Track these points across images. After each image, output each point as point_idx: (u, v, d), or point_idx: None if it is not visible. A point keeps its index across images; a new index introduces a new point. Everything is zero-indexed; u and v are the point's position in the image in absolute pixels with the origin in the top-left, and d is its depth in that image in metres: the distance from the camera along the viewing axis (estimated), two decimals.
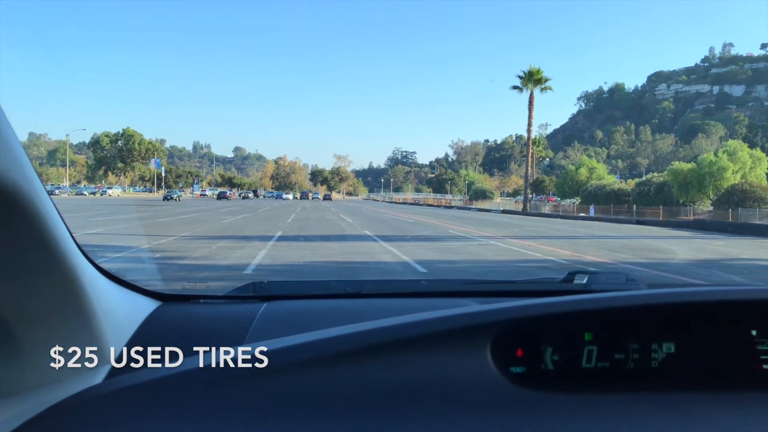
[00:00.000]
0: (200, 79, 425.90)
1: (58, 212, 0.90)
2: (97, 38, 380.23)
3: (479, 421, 0.91)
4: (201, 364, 0.94)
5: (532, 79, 53.78)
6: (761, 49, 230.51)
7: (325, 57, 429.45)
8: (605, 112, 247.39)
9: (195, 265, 10.18)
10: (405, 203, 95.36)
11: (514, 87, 55.09)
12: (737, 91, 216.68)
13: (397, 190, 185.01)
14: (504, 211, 54.25)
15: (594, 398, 0.98)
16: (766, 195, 35.89)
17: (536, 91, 54.22)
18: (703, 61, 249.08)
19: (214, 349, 1.03)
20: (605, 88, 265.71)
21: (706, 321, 1.12)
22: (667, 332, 1.11)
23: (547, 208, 57.44)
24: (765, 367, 1.11)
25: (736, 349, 1.12)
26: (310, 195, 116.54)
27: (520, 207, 57.74)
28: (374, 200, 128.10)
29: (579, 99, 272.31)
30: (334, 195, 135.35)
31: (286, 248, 13.92)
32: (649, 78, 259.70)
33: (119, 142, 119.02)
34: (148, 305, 1.40)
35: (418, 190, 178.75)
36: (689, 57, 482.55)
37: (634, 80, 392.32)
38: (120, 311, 1.21)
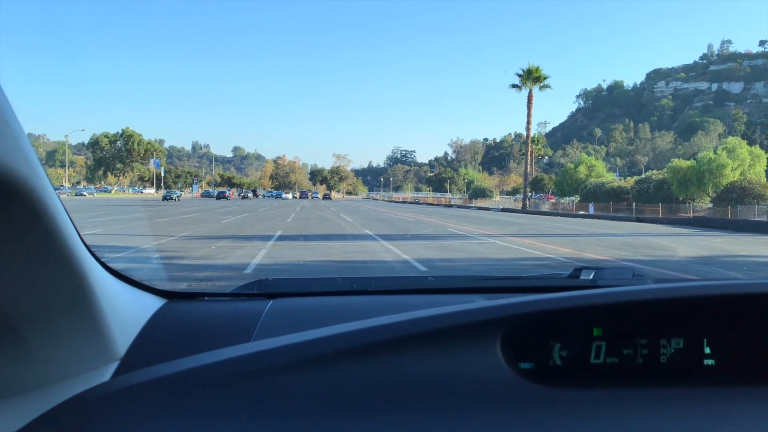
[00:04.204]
0: (199, 79, 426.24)
1: (65, 209, 0.89)
2: (96, 39, 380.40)
3: (489, 417, 0.90)
4: (207, 362, 0.93)
5: (531, 77, 53.75)
6: (760, 46, 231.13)
7: (324, 56, 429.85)
8: (604, 109, 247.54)
9: (195, 265, 10.18)
10: (405, 202, 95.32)
11: (513, 85, 55.08)
12: (736, 88, 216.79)
13: (396, 189, 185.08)
14: (503, 210, 54.25)
15: (603, 394, 0.97)
16: (765, 192, 35.90)
17: (535, 90, 54.23)
18: (701, 58, 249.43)
19: (220, 346, 1.03)
20: (604, 86, 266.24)
21: (716, 315, 1.12)
22: (676, 327, 1.11)
23: (546, 207, 57.44)
24: None
25: (745, 344, 1.12)
26: (310, 194, 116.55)
27: (519, 205, 57.72)
28: (374, 199, 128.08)
29: (578, 97, 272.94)
30: (334, 194, 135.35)
31: (286, 248, 13.92)
32: (648, 75, 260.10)
33: (118, 142, 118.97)
34: (154, 303, 1.39)
35: (417, 189, 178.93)
36: (688, 54, 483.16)
37: (632, 78, 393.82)
38: (126, 309, 1.21)
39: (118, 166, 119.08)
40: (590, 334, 1.08)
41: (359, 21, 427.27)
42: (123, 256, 11.18)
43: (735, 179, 39.48)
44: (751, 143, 50.58)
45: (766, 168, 44.66)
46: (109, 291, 1.10)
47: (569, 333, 1.07)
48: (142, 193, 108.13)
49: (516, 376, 0.97)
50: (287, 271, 9.82)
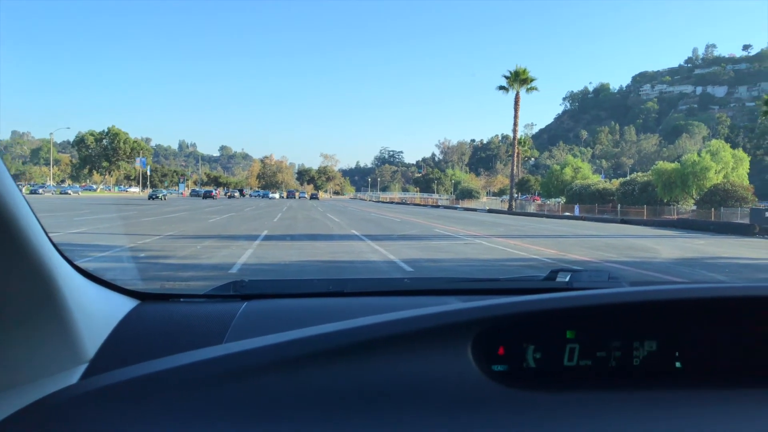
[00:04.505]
0: (186, 78, 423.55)
1: (32, 210, 0.88)
2: (82, 37, 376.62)
3: (460, 420, 0.90)
4: (178, 364, 0.92)
5: (518, 79, 53.97)
6: (743, 50, 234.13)
7: (313, 57, 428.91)
8: (590, 112, 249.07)
9: (179, 265, 10.10)
10: (392, 202, 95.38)
11: (501, 87, 55.23)
12: (720, 91, 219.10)
13: (384, 189, 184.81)
14: (490, 211, 54.44)
15: (576, 396, 0.97)
16: (748, 195, 36.38)
17: (522, 92, 54.44)
18: (686, 62, 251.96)
19: (191, 348, 1.02)
20: (590, 89, 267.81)
21: (688, 318, 1.12)
22: (649, 330, 1.11)
23: (532, 208, 57.77)
24: (747, 363, 1.12)
25: (717, 347, 1.12)
26: (297, 194, 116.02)
27: (505, 206, 57.92)
28: (361, 199, 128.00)
29: (564, 99, 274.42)
30: (321, 194, 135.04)
31: (272, 248, 13.85)
32: (634, 78, 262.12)
33: (104, 140, 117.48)
34: (126, 304, 1.38)
35: (405, 190, 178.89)
36: (673, 58, 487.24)
37: (618, 80, 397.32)
38: (97, 310, 1.19)
39: (104, 164, 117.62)
40: (564, 336, 1.07)
41: (350, 22, 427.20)
42: (105, 255, 11.05)
43: (718, 182, 39.96)
44: (734, 146, 51.25)
45: (748, 171, 45.26)
46: (79, 292, 1.08)
47: (543, 335, 1.07)
48: (127, 191, 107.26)
49: (487, 378, 0.96)
50: (273, 271, 9.77)
